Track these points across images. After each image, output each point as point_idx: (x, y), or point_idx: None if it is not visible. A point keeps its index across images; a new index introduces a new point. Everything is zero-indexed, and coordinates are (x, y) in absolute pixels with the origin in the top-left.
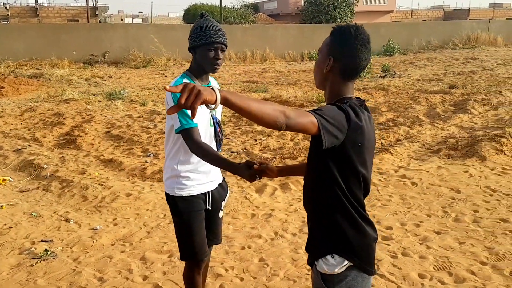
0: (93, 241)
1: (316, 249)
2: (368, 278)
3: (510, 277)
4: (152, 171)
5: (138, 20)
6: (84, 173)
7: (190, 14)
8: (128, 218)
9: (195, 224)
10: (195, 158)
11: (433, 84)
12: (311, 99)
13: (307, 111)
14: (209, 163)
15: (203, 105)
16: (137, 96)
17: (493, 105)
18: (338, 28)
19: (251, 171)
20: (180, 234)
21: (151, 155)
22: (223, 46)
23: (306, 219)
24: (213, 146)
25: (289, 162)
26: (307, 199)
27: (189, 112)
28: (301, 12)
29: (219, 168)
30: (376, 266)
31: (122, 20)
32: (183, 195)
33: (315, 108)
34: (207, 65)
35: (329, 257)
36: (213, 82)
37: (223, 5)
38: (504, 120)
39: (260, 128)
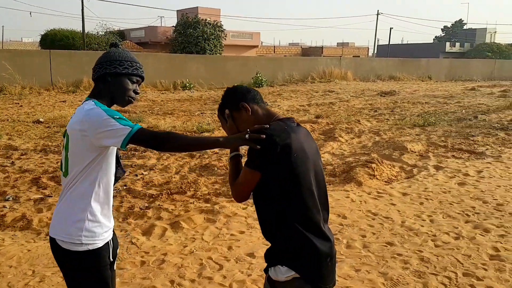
0: None
1: (268, 258)
2: None
3: None
4: (13, 218)
5: None
6: None
7: (48, 40)
8: None
9: (106, 284)
10: (105, 197)
11: (301, 114)
12: (190, 129)
13: None
14: (200, 147)
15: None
16: None
17: (356, 133)
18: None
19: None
20: None
21: (10, 198)
22: (141, 82)
23: (203, 262)
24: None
25: (178, 197)
26: (257, 214)
27: None
28: (171, 42)
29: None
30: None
31: None
32: (90, 248)
33: None
34: (123, 97)
35: (279, 265)
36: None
37: (86, 31)
38: (368, 146)
39: (140, 161)
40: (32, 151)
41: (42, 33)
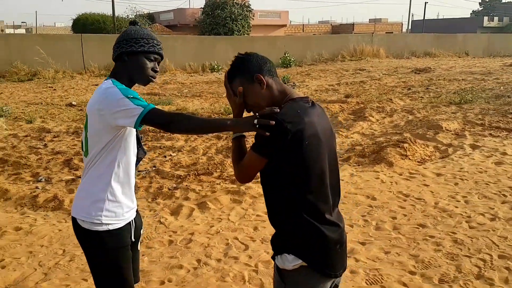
0: None
1: (275, 246)
2: (324, 279)
3: (440, 285)
4: (45, 198)
5: (21, 31)
6: None
7: (80, 24)
8: (19, 258)
9: (126, 264)
10: (125, 177)
11: (330, 94)
12: (218, 110)
13: None
14: (208, 130)
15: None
16: (22, 112)
17: (387, 112)
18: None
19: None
20: (106, 279)
21: (43, 179)
22: (161, 60)
23: (229, 242)
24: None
25: (205, 178)
26: (265, 199)
27: None
28: (199, 23)
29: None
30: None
31: (2, 30)
32: (111, 228)
33: None
34: (142, 76)
35: (285, 254)
36: None
37: (116, 14)
38: (401, 126)
39: (168, 143)
40: (64, 133)
41: (74, 17)
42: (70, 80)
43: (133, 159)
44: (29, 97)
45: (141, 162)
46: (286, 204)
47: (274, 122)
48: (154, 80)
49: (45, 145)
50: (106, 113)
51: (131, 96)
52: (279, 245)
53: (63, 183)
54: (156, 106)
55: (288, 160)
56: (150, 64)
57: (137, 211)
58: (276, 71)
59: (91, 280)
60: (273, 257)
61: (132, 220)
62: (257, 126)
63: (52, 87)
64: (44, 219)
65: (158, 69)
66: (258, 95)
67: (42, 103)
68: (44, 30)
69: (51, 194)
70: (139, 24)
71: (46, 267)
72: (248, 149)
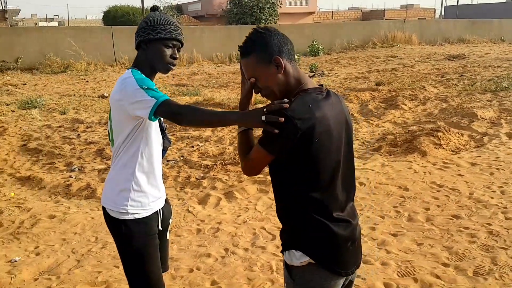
0: (11, 277)
1: (283, 241)
2: (334, 277)
3: (475, 278)
4: (78, 187)
5: (54, 24)
6: None
7: (110, 16)
8: (52, 245)
9: (153, 253)
10: (150, 167)
11: (360, 82)
12: None
13: None
14: (216, 124)
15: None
16: (56, 104)
17: (420, 100)
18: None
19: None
20: (133, 266)
21: (76, 169)
22: (180, 46)
23: (256, 231)
24: (160, 152)
25: (231, 168)
26: (275, 196)
27: None
28: (226, 13)
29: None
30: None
31: (35, 23)
32: (137, 216)
33: None
34: (161, 64)
35: (293, 250)
36: None
37: (145, 6)
38: (434, 114)
39: (196, 133)
40: (97, 124)
41: (104, 10)
42: (102, 72)
43: (157, 149)
44: (62, 89)
45: (169, 152)
46: (292, 201)
47: (283, 119)
48: (173, 68)
49: (78, 136)
50: (124, 103)
51: (146, 87)
52: (286, 241)
53: (96, 172)
54: (179, 99)
55: (296, 158)
56: (168, 51)
57: (166, 200)
58: (295, 54)
59: (122, 267)
60: (282, 252)
61: (159, 210)
62: (264, 122)
63: (84, 79)
64: (77, 207)
65: (177, 56)
66: (272, 79)
67: (75, 95)
68: (75, 23)
69: (84, 183)
70: (159, 9)
71: (79, 254)
72: (256, 142)
